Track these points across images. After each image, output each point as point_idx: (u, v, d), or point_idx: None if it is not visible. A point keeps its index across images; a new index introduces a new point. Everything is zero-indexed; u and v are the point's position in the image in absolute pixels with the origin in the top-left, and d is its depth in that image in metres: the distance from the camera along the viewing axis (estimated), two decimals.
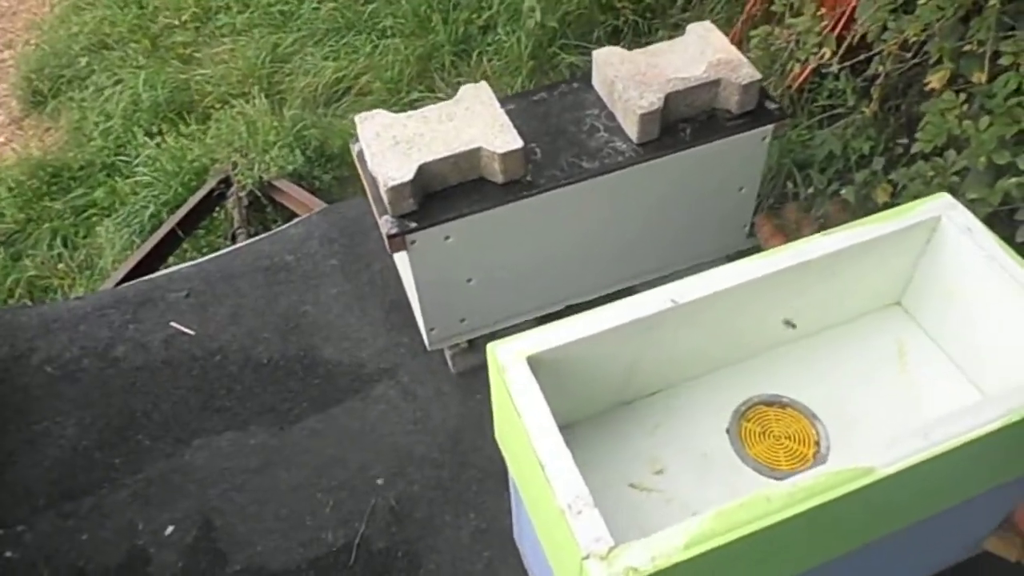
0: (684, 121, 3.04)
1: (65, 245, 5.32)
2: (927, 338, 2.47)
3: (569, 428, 2.33)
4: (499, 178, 2.89)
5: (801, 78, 3.85)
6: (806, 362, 2.44)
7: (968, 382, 2.36)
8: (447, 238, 2.90)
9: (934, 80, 2.88)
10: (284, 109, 5.63)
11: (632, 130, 2.98)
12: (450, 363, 3.48)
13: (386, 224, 2.85)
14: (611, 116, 3.09)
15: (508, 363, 2.00)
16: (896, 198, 2.93)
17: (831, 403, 2.36)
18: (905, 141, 3.18)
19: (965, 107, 2.74)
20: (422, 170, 2.80)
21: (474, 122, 2.93)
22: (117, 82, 6.26)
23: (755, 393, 2.39)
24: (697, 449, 2.31)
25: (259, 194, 5.03)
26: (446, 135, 2.89)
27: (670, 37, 3.17)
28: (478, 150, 2.85)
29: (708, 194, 3.21)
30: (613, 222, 3.15)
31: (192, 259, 4.68)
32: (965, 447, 1.78)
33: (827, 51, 3.35)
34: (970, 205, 2.59)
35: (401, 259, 3.11)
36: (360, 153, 3.04)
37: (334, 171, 5.20)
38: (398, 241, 2.85)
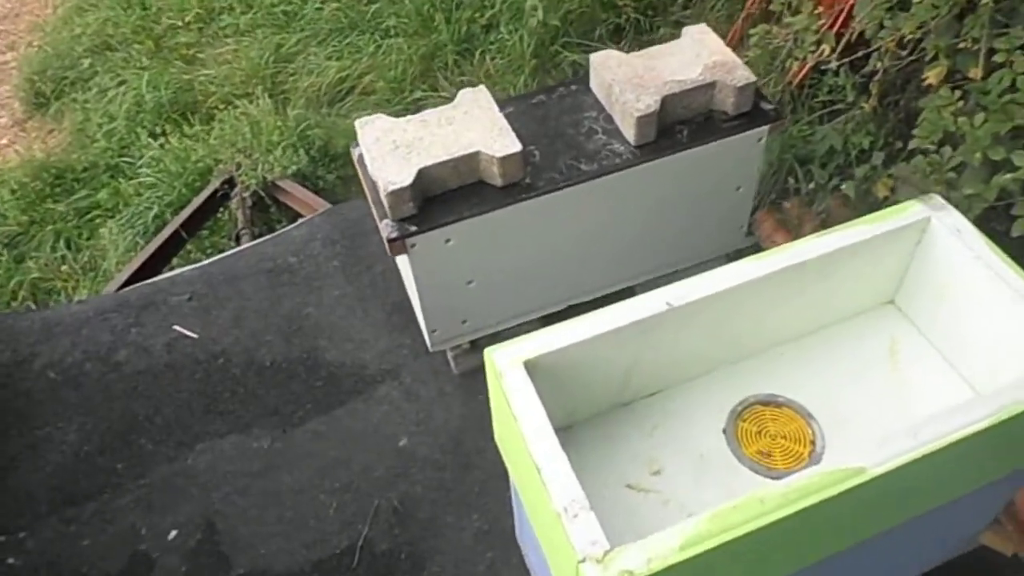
0: (681, 123, 3.05)
1: (68, 247, 5.33)
2: (920, 336, 2.48)
3: (567, 430, 2.36)
4: (498, 181, 2.90)
5: (801, 75, 3.86)
6: (801, 362, 2.46)
7: (960, 379, 2.38)
8: (447, 241, 2.92)
9: (931, 76, 2.89)
10: (288, 109, 5.64)
11: (630, 132, 2.99)
12: (452, 364, 3.49)
13: (386, 228, 2.87)
14: (609, 118, 3.11)
15: (505, 368, 2.01)
16: (896, 193, 2.93)
17: (826, 402, 2.37)
18: (905, 136, 3.19)
19: (961, 104, 2.74)
20: (421, 174, 2.81)
21: (473, 126, 2.94)
22: (120, 83, 6.28)
23: (751, 393, 2.41)
24: (694, 450, 2.33)
25: (263, 194, 5.04)
26: (445, 139, 2.91)
27: (672, 35, 3.18)
28: (477, 154, 2.86)
29: (706, 194, 3.22)
30: (612, 223, 3.16)
31: (196, 260, 4.70)
32: (955, 445, 1.79)
33: (826, 48, 3.36)
34: (967, 200, 2.61)
35: (402, 262, 3.13)
36: (360, 157, 3.05)
37: (338, 171, 5.20)
38: (398, 245, 2.86)
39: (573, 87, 3.27)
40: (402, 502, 3.19)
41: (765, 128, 3.07)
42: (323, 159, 5.24)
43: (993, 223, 2.75)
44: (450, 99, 3.11)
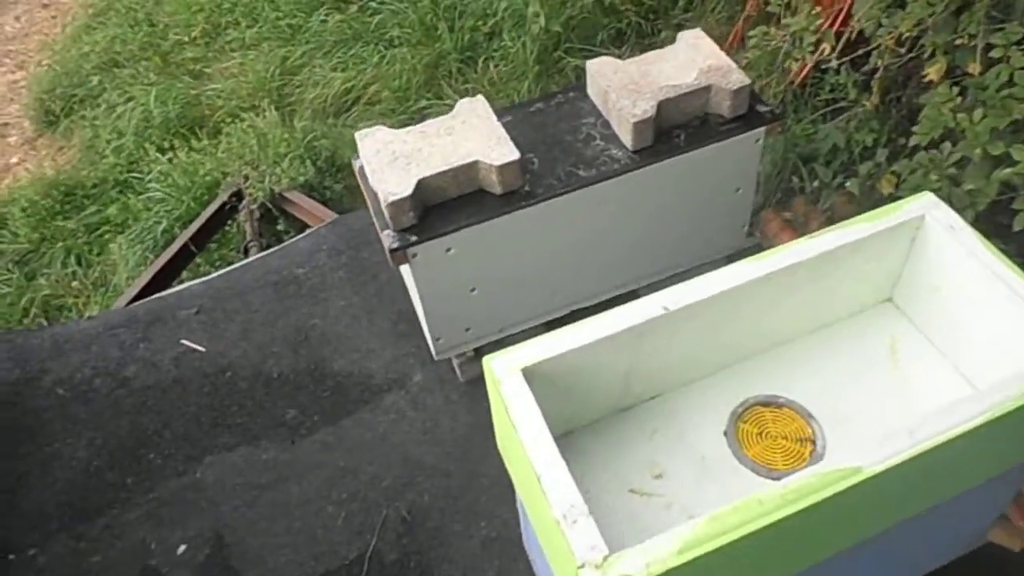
0: (678, 127, 3.05)
1: (79, 263, 5.37)
2: (918, 333, 2.48)
3: (569, 435, 2.36)
4: (497, 189, 2.91)
5: (802, 74, 3.86)
6: (800, 361, 2.46)
7: (959, 375, 2.38)
8: (448, 250, 2.92)
9: (932, 72, 2.89)
10: (294, 121, 5.67)
11: (627, 138, 2.99)
12: (458, 371, 3.49)
13: (388, 238, 2.87)
14: (606, 124, 3.11)
15: (503, 375, 2.02)
16: (900, 189, 2.93)
17: (826, 401, 2.37)
18: (909, 133, 3.19)
19: (960, 100, 2.74)
20: (421, 184, 2.82)
21: (471, 135, 2.95)
22: (129, 99, 6.32)
23: (751, 394, 2.41)
24: (696, 452, 2.33)
25: (271, 206, 5.07)
26: (444, 149, 2.92)
27: (673, 38, 3.19)
28: (476, 163, 2.87)
29: (705, 197, 3.22)
30: (612, 228, 3.16)
31: (205, 273, 4.72)
32: (953, 442, 1.79)
33: (826, 47, 3.36)
34: (969, 196, 2.61)
35: (405, 271, 3.14)
36: (361, 169, 3.06)
37: (345, 181, 5.22)
38: (400, 255, 2.87)
39: (571, 94, 3.27)
40: (410, 511, 3.19)
41: (762, 130, 3.07)
42: (330, 169, 5.27)
43: (998, 216, 2.75)
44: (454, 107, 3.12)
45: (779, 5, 3.56)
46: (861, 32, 3.23)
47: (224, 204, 5.12)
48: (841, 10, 3.54)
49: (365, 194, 3.06)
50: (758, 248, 3.03)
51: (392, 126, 3.05)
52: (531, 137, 3.10)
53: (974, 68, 2.72)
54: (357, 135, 3.05)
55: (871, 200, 3.19)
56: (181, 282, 4.71)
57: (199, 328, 3.91)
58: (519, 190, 2.93)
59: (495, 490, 3.19)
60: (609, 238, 3.20)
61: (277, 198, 5.05)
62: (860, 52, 3.34)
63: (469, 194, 2.94)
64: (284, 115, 5.77)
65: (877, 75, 3.25)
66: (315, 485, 3.29)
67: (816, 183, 3.73)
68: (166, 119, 6.04)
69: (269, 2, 6.78)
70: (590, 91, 3.21)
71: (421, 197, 2.85)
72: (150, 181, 5.54)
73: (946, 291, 2.31)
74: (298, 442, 3.43)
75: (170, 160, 5.59)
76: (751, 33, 3.57)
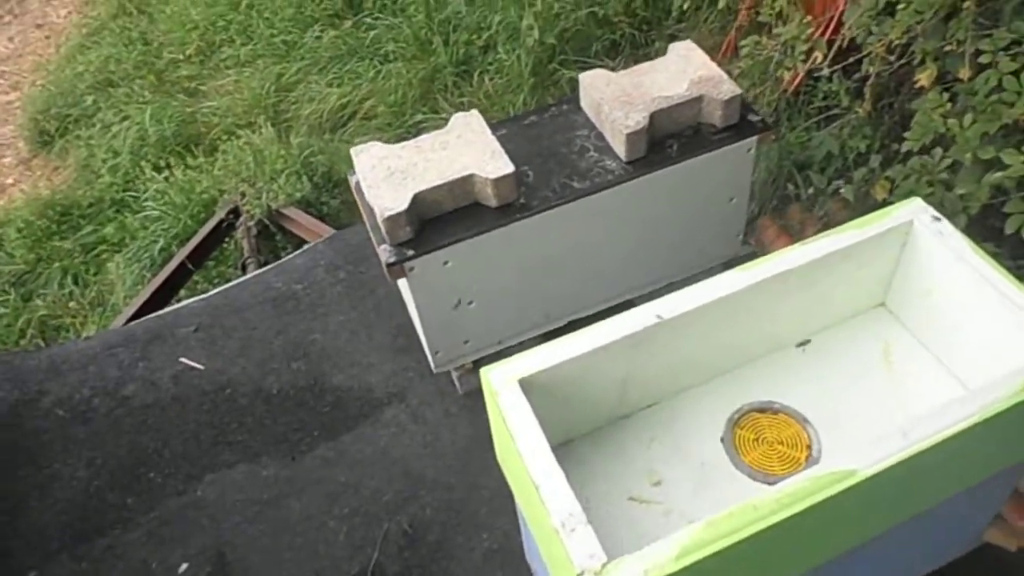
0: (670, 137, 3.07)
1: (76, 283, 5.38)
2: (911, 337, 2.50)
3: (567, 444, 2.37)
4: (493, 202, 2.93)
5: (795, 83, 3.88)
6: (795, 367, 2.47)
7: (952, 377, 2.39)
8: (445, 263, 2.94)
9: (922, 79, 2.91)
10: (290, 137, 5.70)
11: (620, 149, 3.01)
12: (457, 384, 3.50)
13: (385, 253, 2.89)
14: (600, 136, 3.13)
15: (500, 386, 2.04)
16: (893, 194, 2.95)
17: (821, 406, 2.39)
18: (902, 138, 3.21)
19: (951, 105, 2.76)
20: (417, 199, 2.84)
21: (466, 150, 2.97)
22: (124, 118, 6.35)
23: (747, 401, 2.42)
24: (694, 459, 2.34)
25: (268, 223, 5.08)
26: (439, 163, 2.93)
27: (667, 49, 3.21)
28: (471, 177, 2.89)
29: (699, 206, 3.24)
30: (607, 239, 3.18)
31: (204, 291, 4.72)
32: (946, 443, 1.81)
33: (818, 55, 3.38)
34: (961, 200, 2.63)
35: (403, 285, 3.15)
36: (358, 184, 3.08)
37: (341, 196, 5.24)
38: (397, 269, 2.89)
39: (564, 107, 3.30)
40: (412, 525, 3.19)
41: (754, 139, 3.08)
42: (326, 185, 5.29)
43: (991, 220, 2.76)
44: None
45: (770, 15, 3.58)
46: (852, 40, 3.25)
47: (221, 221, 5.14)
48: (832, 18, 3.56)
49: (362, 209, 3.08)
50: (754, 256, 3.05)
51: (388, 140, 3.07)
52: (526, 150, 3.12)
53: (964, 74, 2.74)
54: (353, 151, 3.06)
55: (866, 206, 3.21)
56: (179, 300, 4.72)
57: (198, 346, 3.91)
58: (514, 203, 2.95)
59: (496, 502, 3.19)
60: (605, 249, 3.21)
61: (274, 214, 5.07)
62: (852, 60, 3.35)
63: (465, 207, 2.96)
64: (280, 131, 5.79)
65: (869, 82, 3.27)
66: (316, 500, 3.29)
67: (811, 190, 3.75)
68: (162, 137, 6.07)
69: (263, 19, 6.81)
70: (583, 103, 3.23)
71: (417, 211, 2.86)
72: (146, 200, 5.56)
73: (937, 295, 2.33)
74: (298, 458, 3.43)
75: (166, 178, 5.61)
76: (743, 43, 3.58)
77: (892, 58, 3.13)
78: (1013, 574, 2.76)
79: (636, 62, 3.36)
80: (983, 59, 2.66)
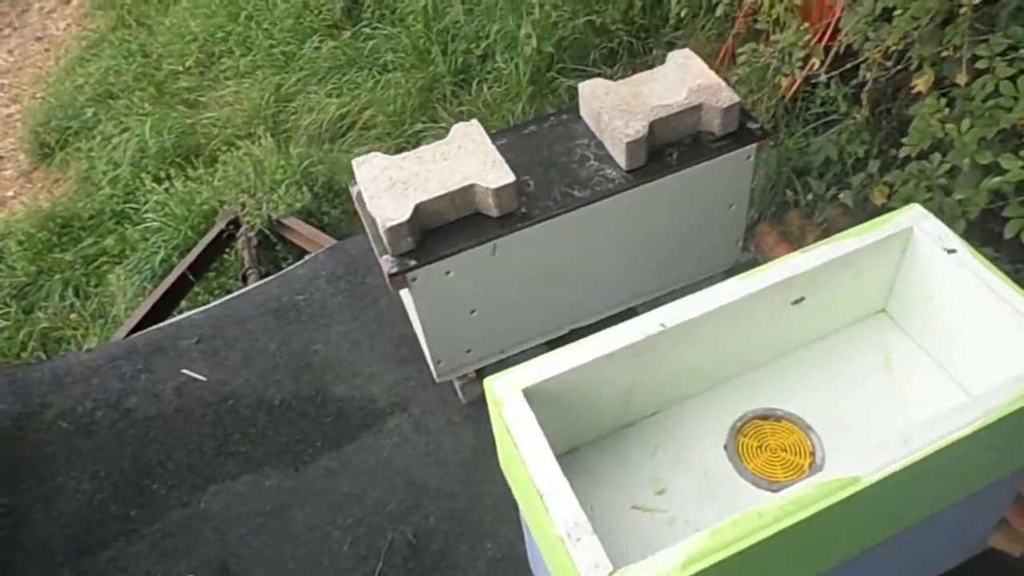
0: (670, 146, 3.08)
1: (77, 295, 5.38)
2: (912, 343, 2.51)
3: (572, 453, 2.38)
4: (494, 212, 2.93)
5: (793, 89, 3.89)
6: (797, 374, 2.48)
7: (953, 383, 2.40)
8: (447, 273, 2.95)
9: (919, 84, 2.92)
10: (290, 147, 5.70)
11: (621, 158, 3.02)
12: (460, 393, 3.50)
13: (387, 263, 2.90)
14: (600, 145, 3.14)
15: (504, 396, 2.04)
16: (892, 200, 2.96)
17: (824, 412, 2.40)
18: (899, 143, 3.22)
19: (948, 110, 2.77)
20: (419, 209, 2.85)
21: (467, 160, 2.98)
22: (124, 130, 6.36)
23: (750, 408, 2.43)
24: (697, 467, 2.35)
25: (268, 233, 5.07)
26: (440, 174, 2.94)
27: (664, 56, 3.22)
28: (472, 187, 2.89)
29: (699, 214, 3.25)
30: (609, 247, 3.18)
31: (205, 302, 4.72)
32: (948, 449, 1.82)
33: (816, 61, 3.39)
34: (960, 205, 2.64)
35: (405, 295, 3.16)
36: (359, 195, 3.09)
37: (342, 206, 5.24)
38: (399, 279, 2.89)
39: (564, 116, 3.30)
40: (416, 534, 3.19)
41: (753, 146, 3.09)
42: (327, 195, 5.28)
43: (990, 224, 2.78)
44: (449, 130, 3.14)
45: (768, 22, 3.60)
46: (849, 46, 3.26)
47: (221, 232, 5.13)
48: (829, 25, 3.57)
49: (363, 220, 3.08)
50: (754, 263, 3.05)
51: (388, 150, 3.08)
52: (526, 159, 3.13)
53: (961, 79, 2.75)
54: (354, 162, 3.07)
55: (865, 211, 3.22)
56: (180, 312, 4.72)
57: (200, 357, 3.92)
58: (516, 212, 2.96)
59: (499, 510, 3.19)
60: (606, 257, 3.22)
61: (275, 225, 5.07)
62: (849, 66, 3.37)
63: (466, 217, 2.97)
64: (280, 142, 5.79)
65: (866, 88, 3.29)
66: (320, 511, 3.29)
67: (810, 196, 3.76)
68: (162, 149, 6.07)
69: (262, 30, 6.82)
70: (583, 112, 3.24)
71: (419, 222, 2.87)
72: (147, 211, 5.56)
73: (938, 301, 2.33)
74: (302, 468, 3.43)
75: (167, 190, 5.60)
76: (741, 50, 3.60)
77: (889, 64, 3.14)
78: None
79: (634, 70, 3.38)
80: (980, 64, 2.67)
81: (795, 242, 3.70)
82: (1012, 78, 2.60)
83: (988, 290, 2.13)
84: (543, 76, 5.21)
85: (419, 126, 5.48)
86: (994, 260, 2.21)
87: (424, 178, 2.93)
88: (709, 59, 3.23)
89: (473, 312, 3.14)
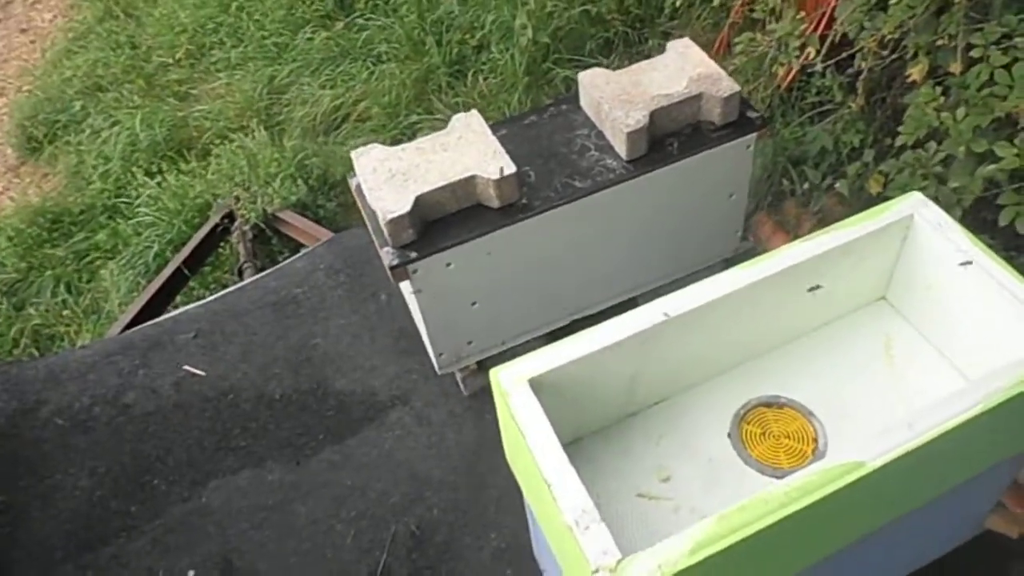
0: (670, 135, 3.09)
1: (69, 291, 5.33)
2: (913, 330, 2.53)
3: (577, 442, 2.39)
4: (495, 203, 2.94)
5: (789, 79, 3.90)
6: (800, 362, 2.50)
7: (953, 368, 2.43)
8: (448, 265, 2.95)
9: (914, 73, 2.93)
10: (284, 140, 5.65)
11: (621, 148, 3.03)
12: (461, 385, 3.52)
13: (388, 255, 2.90)
14: (600, 135, 3.15)
15: (510, 387, 2.05)
16: (888, 189, 2.98)
17: (826, 399, 2.42)
18: (895, 132, 3.23)
19: (943, 99, 2.79)
20: (419, 201, 2.85)
21: (467, 150, 2.98)
22: (114, 124, 6.28)
23: (752, 396, 2.45)
24: (701, 455, 2.37)
25: (264, 227, 5.05)
26: (441, 165, 2.95)
27: (660, 46, 3.22)
28: (473, 178, 2.90)
29: (699, 203, 3.26)
30: (610, 237, 3.20)
31: (200, 297, 4.72)
32: (950, 433, 1.84)
33: (811, 50, 3.40)
34: (955, 193, 2.66)
35: (405, 287, 3.16)
36: (359, 187, 3.09)
37: (337, 198, 5.21)
38: (400, 271, 2.90)
39: (563, 106, 3.31)
40: (419, 526, 3.20)
41: (753, 136, 3.11)
42: (322, 188, 5.25)
43: (984, 212, 2.79)
44: (445, 121, 3.14)
45: (764, 11, 3.60)
46: (845, 35, 3.27)
47: (216, 226, 5.10)
48: (824, 14, 3.58)
49: (363, 212, 3.09)
50: (752, 252, 3.07)
51: (383, 142, 3.08)
52: (526, 150, 3.14)
53: (955, 68, 2.76)
54: (353, 154, 3.07)
55: (861, 200, 3.23)
56: (175, 307, 4.70)
57: (198, 352, 3.91)
58: (517, 203, 2.97)
59: (503, 501, 3.20)
60: (607, 247, 3.23)
61: (270, 218, 5.04)
62: (844, 55, 3.38)
63: (467, 209, 2.97)
64: (273, 134, 5.75)
65: (862, 77, 3.29)
66: (322, 504, 3.30)
67: (806, 185, 3.77)
68: (153, 142, 6.01)
69: (254, 21, 6.76)
70: (583, 102, 3.25)
71: (419, 213, 2.87)
72: (139, 206, 5.51)
73: (937, 288, 2.36)
74: (303, 462, 3.44)
75: (159, 184, 5.56)
76: (737, 39, 3.60)
77: (884, 53, 3.15)
78: (1014, 560, 2.79)
79: (630, 60, 3.38)
80: (975, 53, 2.69)
81: (791, 231, 3.71)
82: (1007, 66, 2.62)
83: (987, 276, 2.15)
84: (539, 67, 5.19)
85: (414, 118, 5.44)
86: (989, 248, 2.22)
87: (424, 169, 2.94)
88: (705, 49, 3.23)
89: (474, 304, 3.15)
